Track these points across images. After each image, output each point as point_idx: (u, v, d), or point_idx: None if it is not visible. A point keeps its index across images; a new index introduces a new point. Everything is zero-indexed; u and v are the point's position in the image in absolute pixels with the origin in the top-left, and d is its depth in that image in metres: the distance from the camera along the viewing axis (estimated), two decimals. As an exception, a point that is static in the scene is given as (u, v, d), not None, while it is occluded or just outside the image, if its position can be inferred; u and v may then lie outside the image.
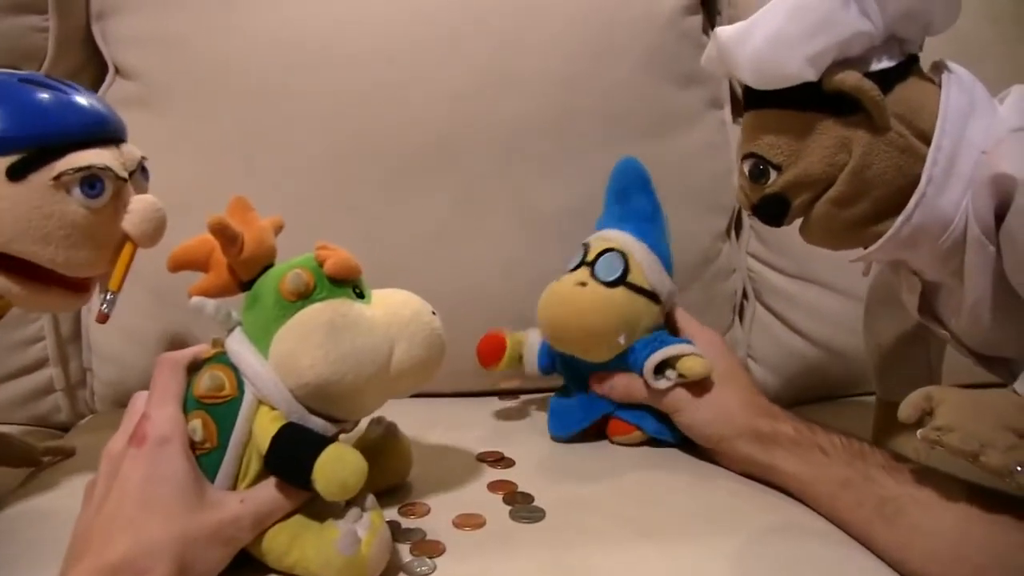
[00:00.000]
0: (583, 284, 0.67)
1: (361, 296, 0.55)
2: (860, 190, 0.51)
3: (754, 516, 0.59)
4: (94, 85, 0.84)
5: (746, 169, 0.54)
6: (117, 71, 0.84)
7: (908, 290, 0.59)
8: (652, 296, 0.69)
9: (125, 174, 0.54)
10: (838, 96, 0.50)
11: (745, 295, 0.94)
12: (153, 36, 0.82)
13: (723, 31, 0.53)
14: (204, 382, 0.52)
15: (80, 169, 0.51)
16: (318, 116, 0.82)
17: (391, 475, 0.61)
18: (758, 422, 0.63)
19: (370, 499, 0.51)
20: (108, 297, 0.56)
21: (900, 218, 0.51)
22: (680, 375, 0.65)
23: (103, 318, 0.56)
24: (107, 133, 0.55)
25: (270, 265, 0.56)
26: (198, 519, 0.47)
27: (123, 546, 0.44)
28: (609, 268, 0.68)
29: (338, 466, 0.48)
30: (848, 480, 0.57)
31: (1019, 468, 0.47)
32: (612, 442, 0.71)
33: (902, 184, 0.51)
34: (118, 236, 0.55)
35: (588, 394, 0.71)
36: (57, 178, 0.50)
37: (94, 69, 0.85)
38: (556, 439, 0.71)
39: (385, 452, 0.61)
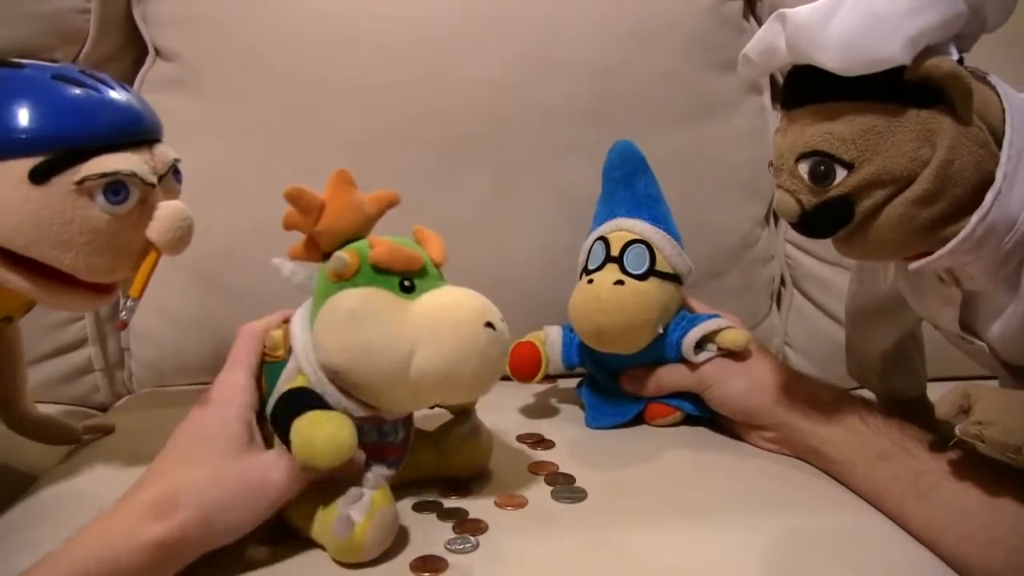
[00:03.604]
0: (620, 282, 0.66)
1: (410, 290, 0.52)
2: (942, 187, 0.47)
3: (793, 495, 0.59)
4: (134, 67, 0.85)
5: (804, 170, 0.50)
6: (157, 53, 0.84)
7: (943, 302, 0.56)
8: (676, 279, 0.69)
9: (153, 179, 0.52)
10: (918, 85, 0.47)
11: (783, 282, 0.93)
12: (193, 18, 0.83)
13: (797, 12, 0.49)
14: (267, 340, 0.54)
15: (104, 175, 0.49)
16: (357, 101, 0.81)
17: (466, 466, 0.60)
18: (795, 389, 0.63)
19: (372, 477, 0.50)
20: (128, 304, 0.54)
21: (975, 217, 0.48)
22: (720, 348, 0.67)
23: (122, 325, 0.55)
24: (139, 134, 0.52)
25: (358, 238, 0.55)
26: (231, 467, 0.49)
27: (156, 488, 0.47)
28: (639, 260, 0.67)
29: (312, 428, 0.48)
30: (886, 451, 0.57)
31: None
32: (650, 425, 0.71)
33: (976, 181, 0.48)
34: (142, 242, 0.52)
35: (620, 390, 0.71)
36: (80, 183, 0.48)
37: (134, 51, 0.86)
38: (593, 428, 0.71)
39: (463, 443, 0.59)
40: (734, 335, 0.67)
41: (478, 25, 0.83)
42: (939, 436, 0.57)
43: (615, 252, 0.68)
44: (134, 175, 0.50)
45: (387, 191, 0.58)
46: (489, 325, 0.51)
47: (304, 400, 0.51)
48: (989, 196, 0.47)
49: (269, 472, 0.49)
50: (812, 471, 0.62)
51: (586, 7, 0.84)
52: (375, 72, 0.82)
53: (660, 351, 0.69)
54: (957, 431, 0.49)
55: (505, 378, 0.81)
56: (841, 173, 0.49)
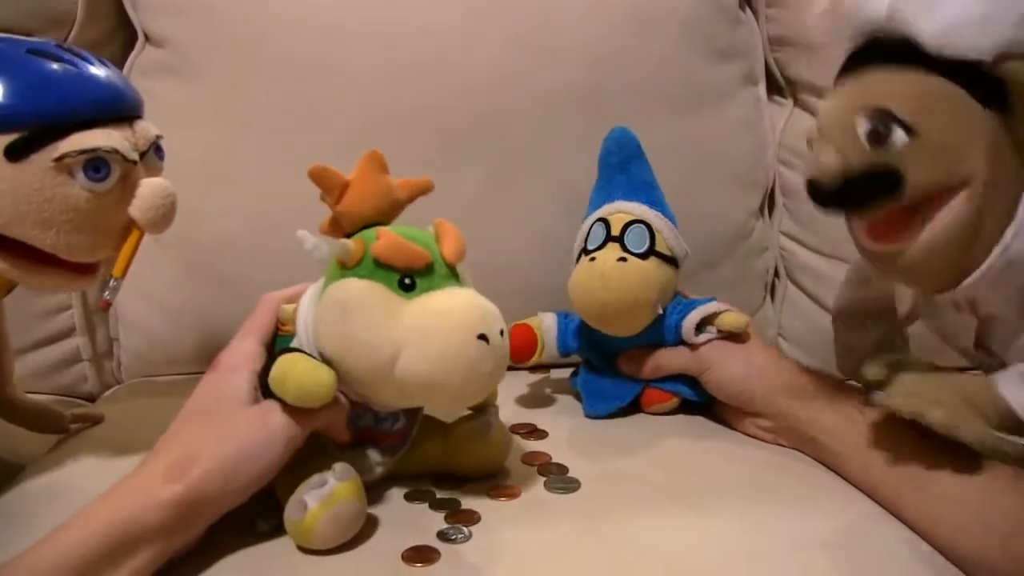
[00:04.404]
0: (623, 259, 0.66)
1: (409, 288, 0.50)
2: (993, 191, 0.46)
3: (789, 485, 0.59)
4: (123, 52, 0.83)
5: (863, 127, 0.47)
6: (147, 38, 0.83)
7: (959, 327, 0.56)
8: (674, 262, 0.69)
9: (135, 156, 0.51)
10: (988, 84, 0.46)
11: (777, 274, 0.93)
12: (184, 3, 0.81)
13: None
14: (280, 312, 0.55)
15: (84, 151, 0.48)
16: (351, 89, 0.80)
17: (477, 465, 0.58)
18: (793, 376, 0.64)
19: (341, 469, 0.49)
20: (112, 284, 0.53)
21: (997, 249, 0.47)
22: (720, 330, 0.67)
23: (105, 305, 0.55)
24: (119, 110, 0.51)
25: (381, 223, 0.55)
26: (236, 421, 0.50)
27: (171, 453, 0.48)
28: (639, 240, 0.67)
29: (290, 364, 0.49)
30: (881, 441, 0.57)
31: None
32: (646, 412, 0.71)
33: (1007, 203, 0.47)
34: (124, 221, 0.51)
35: (617, 373, 0.71)
36: (59, 160, 0.47)
37: (123, 36, 0.84)
38: (592, 417, 0.70)
39: (476, 442, 0.58)
40: (734, 317, 0.67)
41: (474, 12, 0.82)
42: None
43: (616, 232, 0.68)
44: (115, 151, 0.49)
45: (420, 178, 0.57)
46: (483, 338, 0.49)
47: (295, 350, 0.51)
48: (1009, 230, 0.47)
49: (269, 416, 0.50)
50: (807, 461, 0.62)
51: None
52: (369, 59, 0.81)
53: (659, 333, 0.69)
54: (871, 399, 0.52)
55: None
56: (899, 138, 0.46)
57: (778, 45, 0.91)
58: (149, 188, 0.51)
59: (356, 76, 0.81)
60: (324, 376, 0.49)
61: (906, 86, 0.47)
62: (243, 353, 0.53)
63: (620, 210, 0.69)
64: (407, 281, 0.50)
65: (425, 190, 0.57)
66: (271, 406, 0.50)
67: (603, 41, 0.83)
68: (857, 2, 0.50)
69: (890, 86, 0.48)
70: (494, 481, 0.58)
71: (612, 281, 0.65)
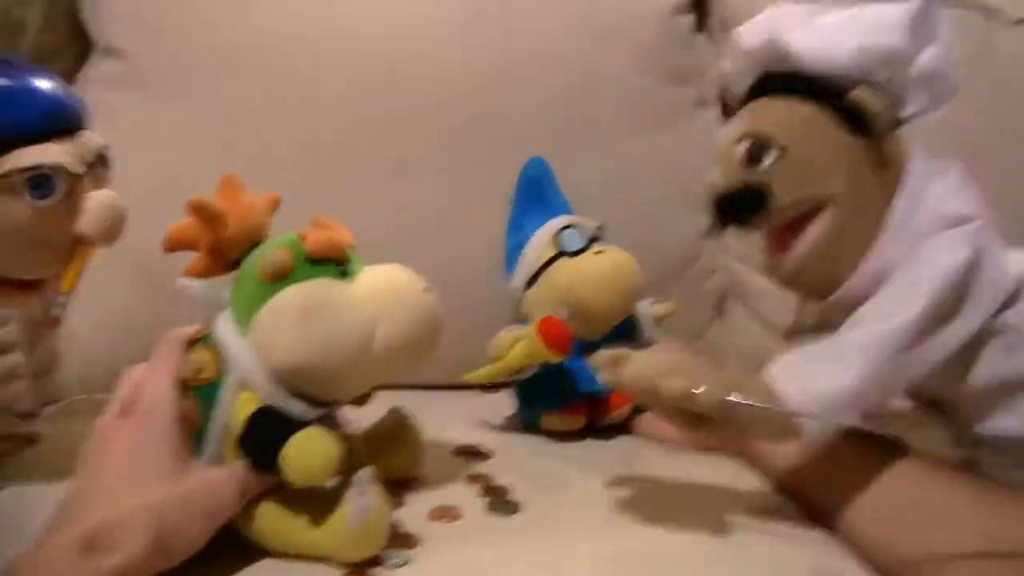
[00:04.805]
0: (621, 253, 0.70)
1: (346, 274, 0.53)
2: (856, 208, 0.52)
3: (733, 506, 0.58)
4: (77, 63, 0.83)
5: (740, 151, 0.53)
6: (103, 49, 0.82)
7: None
8: None
9: (81, 169, 0.50)
10: (851, 113, 0.52)
11: (726, 295, 0.94)
12: (141, 14, 0.81)
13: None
14: (186, 365, 0.51)
15: (27, 169, 0.47)
16: (311, 100, 0.81)
17: (398, 468, 0.59)
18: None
19: (367, 473, 0.49)
20: (59, 300, 0.52)
21: (871, 255, 0.52)
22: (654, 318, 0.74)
23: (54, 322, 0.54)
24: (62, 122, 0.50)
25: (259, 243, 0.54)
26: (177, 489, 0.46)
27: (100, 515, 0.43)
28: (609, 240, 0.72)
29: (305, 452, 0.48)
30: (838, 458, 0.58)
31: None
32: (606, 422, 0.71)
33: (873, 219, 0.52)
34: (70, 236, 0.50)
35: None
36: (2, 178, 0.46)
37: (79, 46, 0.84)
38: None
39: (393, 444, 0.59)
40: (661, 305, 0.73)
41: (444, 28, 0.84)
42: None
43: (593, 234, 0.71)
44: (60, 167, 0.48)
45: (271, 193, 0.57)
46: (426, 290, 0.54)
47: (275, 424, 0.49)
48: (882, 240, 0.52)
49: (222, 488, 0.48)
50: (755, 481, 0.62)
51: (541, 23, 0.85)
52: (330, 70, 0.81)
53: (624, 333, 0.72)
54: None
55: (444, 387, 0.80)
56: (769, 158, 0.52)
57: (731, 70, 0.92)
58: (95, 202, 0.51)
59: (317, 87, 0.81)
60: (334, 443, 0.48)
61: (781, 112, 0.54)
62: (158, 394, 0.50)
63: (577, 220, 0.73)
64: (342, 268, 0.53)
65: (278, 203, 0.57)
66: (225, 479, 0.48)
67: (562, 65, 0.85)
68: (741, 39, 0.57)
69: (769, 112, 0.54)
70: (435, 503, 0.57)
71: (628, 269, 0.69)
